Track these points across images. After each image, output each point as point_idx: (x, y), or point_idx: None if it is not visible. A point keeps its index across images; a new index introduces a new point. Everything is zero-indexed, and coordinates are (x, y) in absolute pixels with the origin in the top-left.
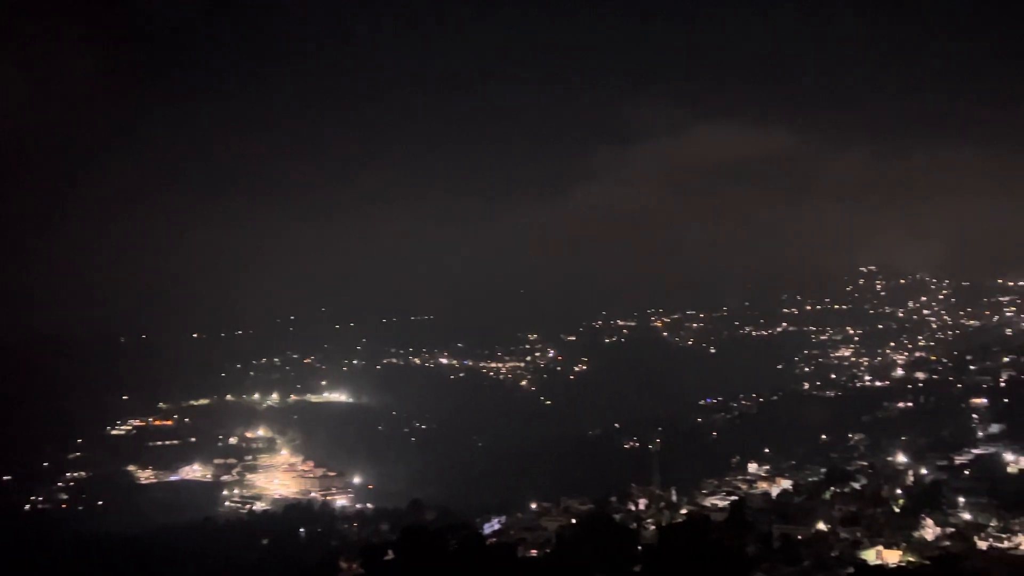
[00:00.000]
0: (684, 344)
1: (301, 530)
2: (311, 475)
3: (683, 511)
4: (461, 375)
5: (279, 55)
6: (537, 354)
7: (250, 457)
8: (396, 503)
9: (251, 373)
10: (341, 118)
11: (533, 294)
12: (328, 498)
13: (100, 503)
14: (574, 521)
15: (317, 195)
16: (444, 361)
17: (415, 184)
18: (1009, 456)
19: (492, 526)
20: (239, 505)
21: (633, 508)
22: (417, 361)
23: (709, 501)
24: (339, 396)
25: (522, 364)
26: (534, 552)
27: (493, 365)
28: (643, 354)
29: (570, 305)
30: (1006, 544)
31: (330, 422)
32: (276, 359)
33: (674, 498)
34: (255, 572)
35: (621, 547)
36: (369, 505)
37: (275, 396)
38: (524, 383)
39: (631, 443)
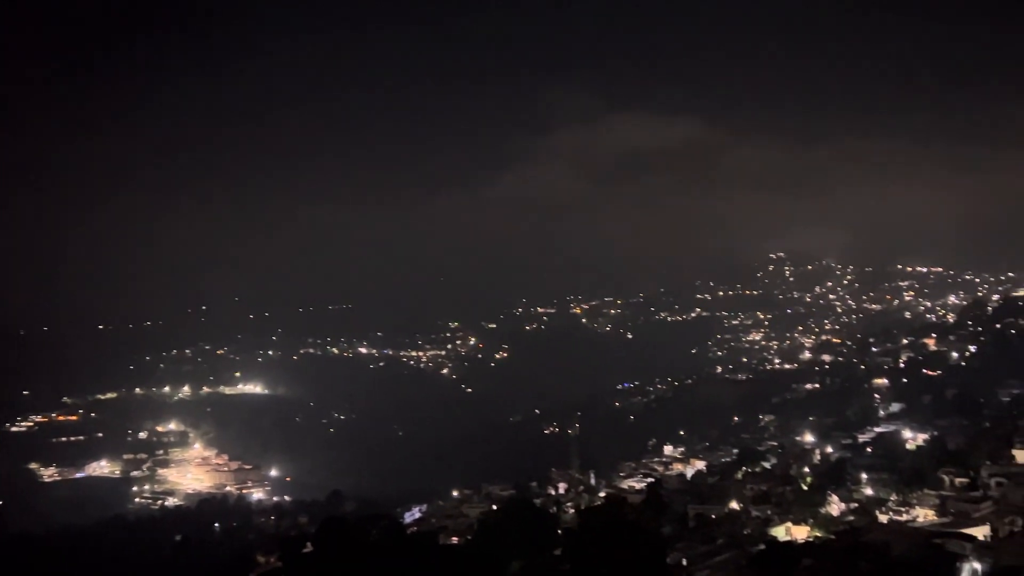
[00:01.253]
0: (602, 330)
1: (216, 525)
2: (226, 469)
3: (602, 494)
4: (381, 364)
5: (198, 49)
6: (458, 342)
7: (161, 452)
8: (315, 495)
9: (161, 365)
10: (255, 110)
11: (453, 282)
12: (244, 492)
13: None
14: (495, 507)
15: (229, 183)
16: (363, 350)
17: (332, 173)
18: (908, 433)
19: (413, 515)
20: (150, 501)
21: (553, 492)
22: (335, 351)
23: (627, 483)
24: (254, 388)
25: (443, 352)
26: (456, 539)
27: (413, 354)
28: (563, 340)
29: (491, 293)
30: (904, 517)
31: (245, 414)
32: (187, 350)
33: (593, 481)
34: (168, 570)
35: (541, 531)
36: (287, 498)
37: (187, 389)
38: (445, 371)
39: (551, 428)
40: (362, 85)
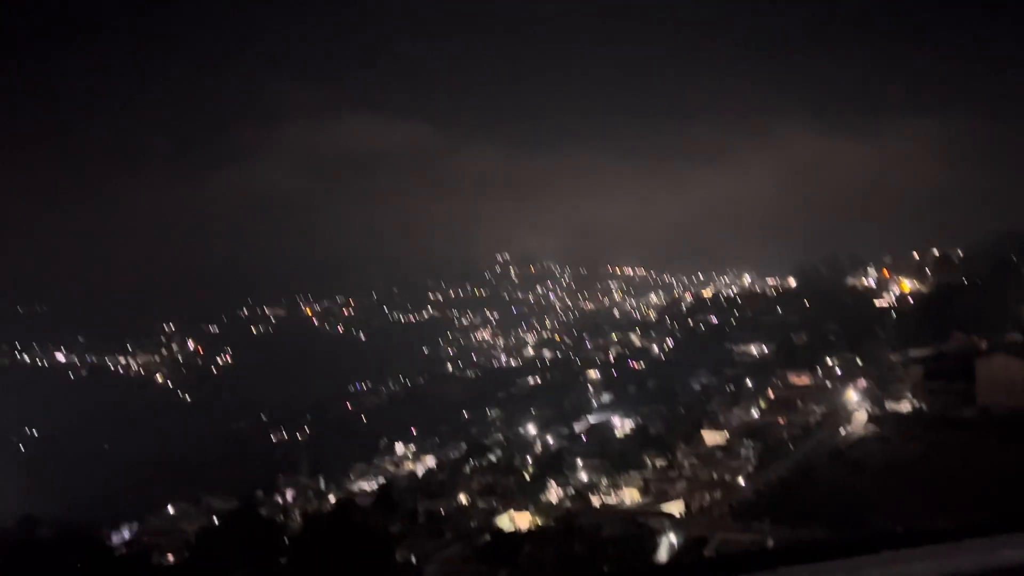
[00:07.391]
0: (335, 331)
1: None
2: None
3: (332, 498)
4: (83, 373)
5: None
6: (175, 346)
7: None
8: (1, 522)
9: None
10: None
11: (168, 281)
12: None
13: None
14: (216, 520)
15: None
16: (61, 358)
17: (25, 155)
18: (616, 421)
19: (122, 536)
20: None
21: (281, 501)
22: (26, 359)
23: (358, 486)
24: None
25: (157, 358)
26: (172, 557)
27: (122, 360)
28: (293, 342)
29: (212, 292)
30: (614, 499)
31: None
32: None
33: (323, 486)
34: None
35: (266, 541)
36: None
37: None
38: (160, 378)
39: (279, 435)
40: (64, 60)
